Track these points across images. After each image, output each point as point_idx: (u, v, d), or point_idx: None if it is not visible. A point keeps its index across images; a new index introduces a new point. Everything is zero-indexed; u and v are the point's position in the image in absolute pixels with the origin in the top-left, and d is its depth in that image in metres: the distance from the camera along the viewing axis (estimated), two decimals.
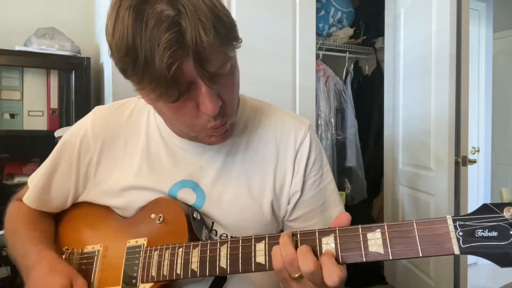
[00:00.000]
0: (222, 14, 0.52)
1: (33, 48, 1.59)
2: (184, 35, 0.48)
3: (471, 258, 2.86)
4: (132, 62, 0.50)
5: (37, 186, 0.75)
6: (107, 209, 0.73)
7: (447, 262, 1.93)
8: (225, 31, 0.52)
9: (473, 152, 2.86)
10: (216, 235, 0.69)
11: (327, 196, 0.74)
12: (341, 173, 2.64)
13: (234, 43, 0.56)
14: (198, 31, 0.48)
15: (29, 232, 0.72)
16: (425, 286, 2.12)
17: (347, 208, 2.58)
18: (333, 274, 0.47)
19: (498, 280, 2.78)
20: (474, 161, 1.99)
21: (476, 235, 0.43)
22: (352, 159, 2.59)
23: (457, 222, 0.44)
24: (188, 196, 0.69)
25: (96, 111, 0.77)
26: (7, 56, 1.52)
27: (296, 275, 0.49)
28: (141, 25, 0.48)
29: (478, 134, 3.12)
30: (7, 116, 1.55)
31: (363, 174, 2.67)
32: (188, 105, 0.56)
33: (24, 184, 0.81)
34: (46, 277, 0.63)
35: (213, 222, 0.69)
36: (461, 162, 1.90)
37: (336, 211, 0.74)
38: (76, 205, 0.77)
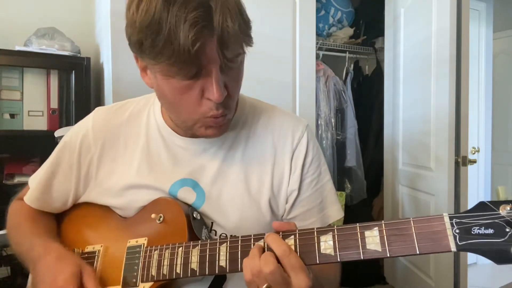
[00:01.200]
0: (243, 12, 0.56)
1: (33, 48, 1.59)
2: (212, 17, 0.51)
3: (471, 258, 2.87)
4: (154, 34, 0.51)
5: (38, 186, 0.75)
6: (107, 209, 0.73)
7: (447, 262, 1.93)
8: (245, 26, 0.56)
9: (473, 152, 2.85)
10: (215, 234, 0.69)
11: (325, 196, 0.74)
12: (341, 173, 2.64)
13: (248, 41, 0.58)
14: (225, 17, 0.51)
15: (33, 227, 0.73)
16: (425, 286, 2.12)
17: (347, 208, 2.58)
18: (295, 266, 0.50)
19: (498, 280, 2.78)
20: (474, 161, 1.98)
21: (472, 232, 0.44)
22: (352, 159, 2.59)
23: (454, 219, 0.45)
24: (188, 195, 0.69)
25: (97, 112, 0.77)
26: (7, 56, 1.52)
27: (264, 287, 0.51)
28: (171, 1, 0.50)
29: (478, 134, 3.12)
30: (7, 116, 1.54)
31: (363, 174, 2.67)
32: (194, 90, 0.57)
33: (24, 184, 0.82)
34: (55, 266, 0.63)
35: (212, 222, 0.69)
36: (461, 162, 1.90)
37: (333, 210, 0.75)
38: (76, 205, 0.78)
